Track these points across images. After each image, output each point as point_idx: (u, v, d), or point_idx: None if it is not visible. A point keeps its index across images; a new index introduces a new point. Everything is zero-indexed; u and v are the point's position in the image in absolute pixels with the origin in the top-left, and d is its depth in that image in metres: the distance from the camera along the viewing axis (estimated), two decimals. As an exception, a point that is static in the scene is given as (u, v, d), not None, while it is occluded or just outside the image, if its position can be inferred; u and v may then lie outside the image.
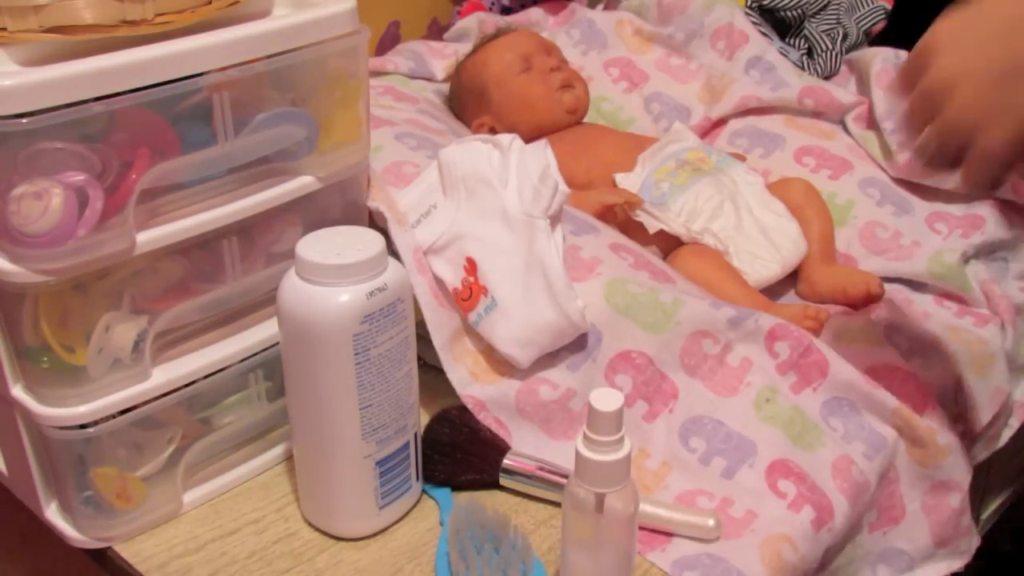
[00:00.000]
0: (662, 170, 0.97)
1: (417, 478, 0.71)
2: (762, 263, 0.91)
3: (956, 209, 1.00)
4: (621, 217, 0.94)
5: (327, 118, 0.71)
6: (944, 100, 0.62)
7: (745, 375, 0.77)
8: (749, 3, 1.22)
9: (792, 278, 0.93)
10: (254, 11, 0.69)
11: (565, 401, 0.75)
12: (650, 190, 0.96)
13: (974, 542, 0.82)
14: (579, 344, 0.77)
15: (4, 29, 0.58)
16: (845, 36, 1.21)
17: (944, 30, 0.63)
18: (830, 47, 1.20)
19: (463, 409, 0.74)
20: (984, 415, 0.88)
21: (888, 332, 0.87)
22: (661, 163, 0.98)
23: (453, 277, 0.77)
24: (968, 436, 0.87)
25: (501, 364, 0.76)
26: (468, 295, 0.76)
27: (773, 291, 0.91)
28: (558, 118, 1.08)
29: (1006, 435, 0.91)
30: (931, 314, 0.90)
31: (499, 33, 1.15)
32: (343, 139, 0.72)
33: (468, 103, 1.12)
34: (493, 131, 1.08)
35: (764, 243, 0.92)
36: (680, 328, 0.77)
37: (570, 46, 1.24)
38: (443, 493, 0.72)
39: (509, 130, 1.04)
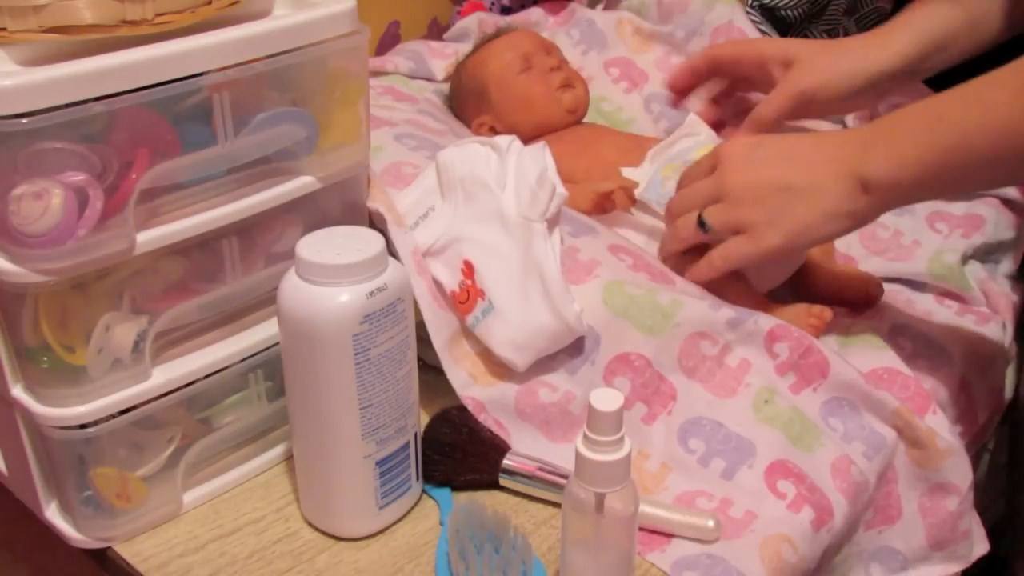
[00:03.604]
0: (669, 167, 0.97)
1: (417, 478, 0.72)
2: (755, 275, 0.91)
3: (956, 209, 1.00)
4: (620, 205, 0.93)
5: (327, 118, 0.71)
6: (721, 199, 0.80)
7: (744, 376, 0.77)
8: (750, 2, 1.22)
9: (791, 280, 0.93)
10: (254, 11, 0.69)
11: (564, 404, 0.75)
12: (656, 188, 0.95)
13: (976, 548, 0.81)
14: (578, 347, 0.77)
15: (4, 29, 0.58)
16: (846, 35, 1.21)
17: (729, 152, 0.82)
18: (830, 47, 1.19)
19: (463, 409, 0.74)
20: (981, 415, 0.89)
21: (891, 335, 0.87)
22: (669, 161, 0.98)
23: (451, 280, 0.77)
24: (966, 436, 0.87)
25: (500, 366, 0.76)
26: (465, 298, 0.76)
27: (772, 293, 0.91)
28: (558, 118, 1.08)
29: (990, 430, 0.91)
30: (933, 314, 0.90)
31: (499, 33, 1.15)
32: (343, 139, 0.72)
33: (468, 103, 1.12)
34: (493, 130, 1.08)
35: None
36: (679, 330, 0.77)
37: (570, 46, 1.24)
38: (443, 493, 0.73)
39: (509, 129, 1.05)
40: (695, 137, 1.00)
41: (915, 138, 0.72)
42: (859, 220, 0.77)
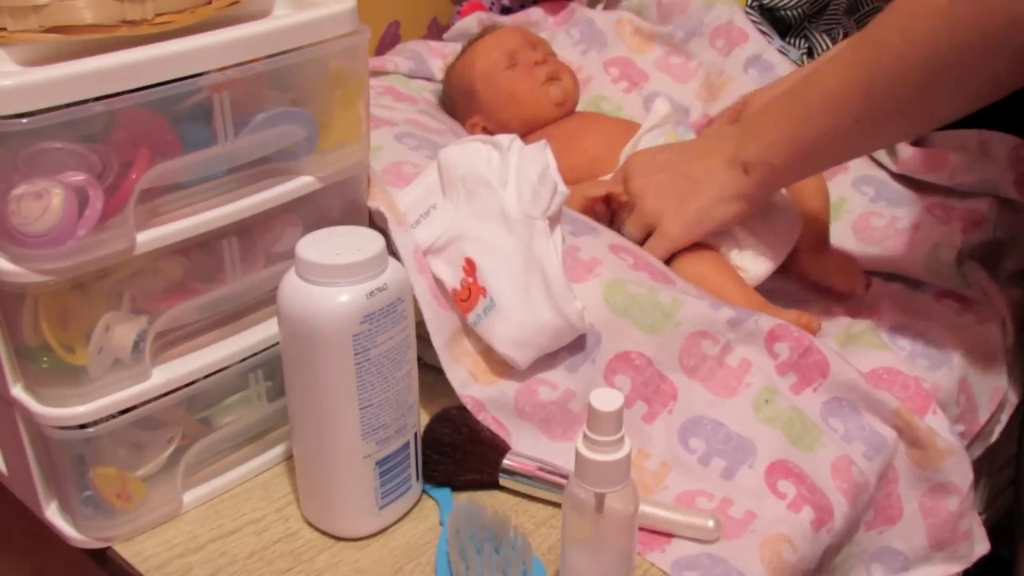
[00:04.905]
0: None
1: (417, 478, 0.72)
2: (760, 259, 0.91)
3: (956, 203, 1.00)
4: (609, 210, 0.93)
5: (327, 118, 0.71)
6: (637, 202, 0.90)
7: (744, 376, 0.77)
8: (749, 2, 1.22)
9: (783, 265, 0.93)
10: (254, 11, 0.69)
11: (564, 402, 0.75)
12: None
13: (977, 548, 0.81)
14: (578, 345, 0.77)
15: (4, 29, 0.58)
16: (846, 35, 1.21)
17: (633, 161, 0.93)
18: (830, 46, 1.19)
19: (463, 409, 0.74)
20: (983, 414, 0.88)
21: (891, 335, 0.87)
22: None
23: (452, 278, 0.77)
24: (968, 436, 0.87)
25: (500, 365, 0.76)
26: (467, 296, 0.76)
27: (767, 284, 0.91)
28: (546, 111, 1.08)
29: (997, 430, 0.91)
30: (933, 314, 0.91)
31: (485, 32, 1.15)
32: (343, 139, 0.72)
33: (459, 104, 1.12)
34: (485, 130, 1.08)
35: (758, 234, 0.92)
36: (679, 329, 0.77)
37: (570, 46, 1.24)
38: (443, 493, 0.73)
39: (500, 127, 1.05)
40: (660, 128, 1.01)
41: (776, 123, 0.83)
42: (749, 200, 0.86)
